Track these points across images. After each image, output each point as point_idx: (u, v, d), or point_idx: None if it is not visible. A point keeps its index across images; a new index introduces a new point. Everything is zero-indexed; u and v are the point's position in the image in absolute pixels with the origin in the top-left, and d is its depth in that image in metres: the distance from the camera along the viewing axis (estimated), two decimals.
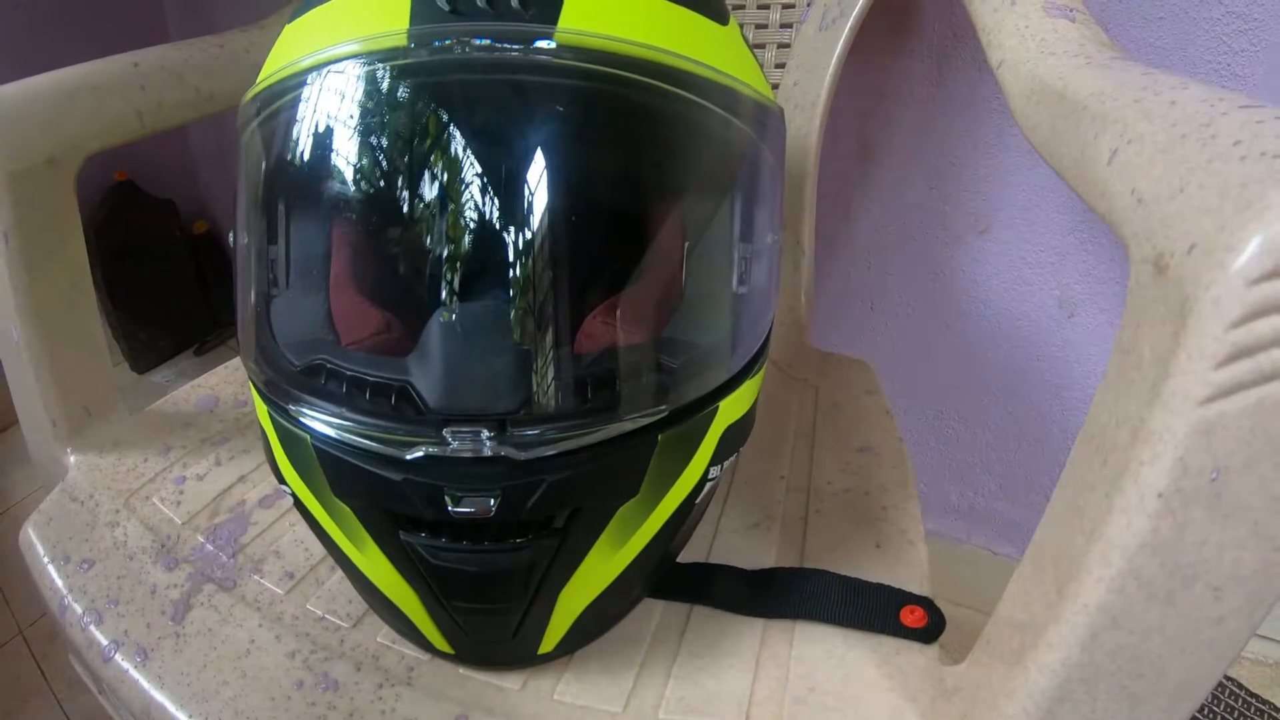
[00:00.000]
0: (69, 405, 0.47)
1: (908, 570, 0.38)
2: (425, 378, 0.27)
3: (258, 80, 0.32)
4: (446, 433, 0.26)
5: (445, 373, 0.26)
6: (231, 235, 0.34)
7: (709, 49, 0.30)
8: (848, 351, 0.56)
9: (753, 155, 0.32)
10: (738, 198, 0.32)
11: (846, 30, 0.54)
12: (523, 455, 0.26)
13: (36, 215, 0.45)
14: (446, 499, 0.27)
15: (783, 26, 0.57)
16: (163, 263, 1.06)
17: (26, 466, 0.97)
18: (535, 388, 0.27)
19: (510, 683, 0.33)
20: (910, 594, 0.36)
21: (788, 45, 0.57)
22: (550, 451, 0.27)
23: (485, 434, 0.26)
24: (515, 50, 0.27)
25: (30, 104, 0.45)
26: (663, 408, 0.29)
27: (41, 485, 0.49)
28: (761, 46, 0.58)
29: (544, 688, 0.33)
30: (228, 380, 0.53)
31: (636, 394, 0.29)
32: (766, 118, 0.32)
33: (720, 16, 0.32)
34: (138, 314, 1.04)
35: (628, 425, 0.28)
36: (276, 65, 0.30)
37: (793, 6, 0.57)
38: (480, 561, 0.28)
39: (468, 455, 0.26)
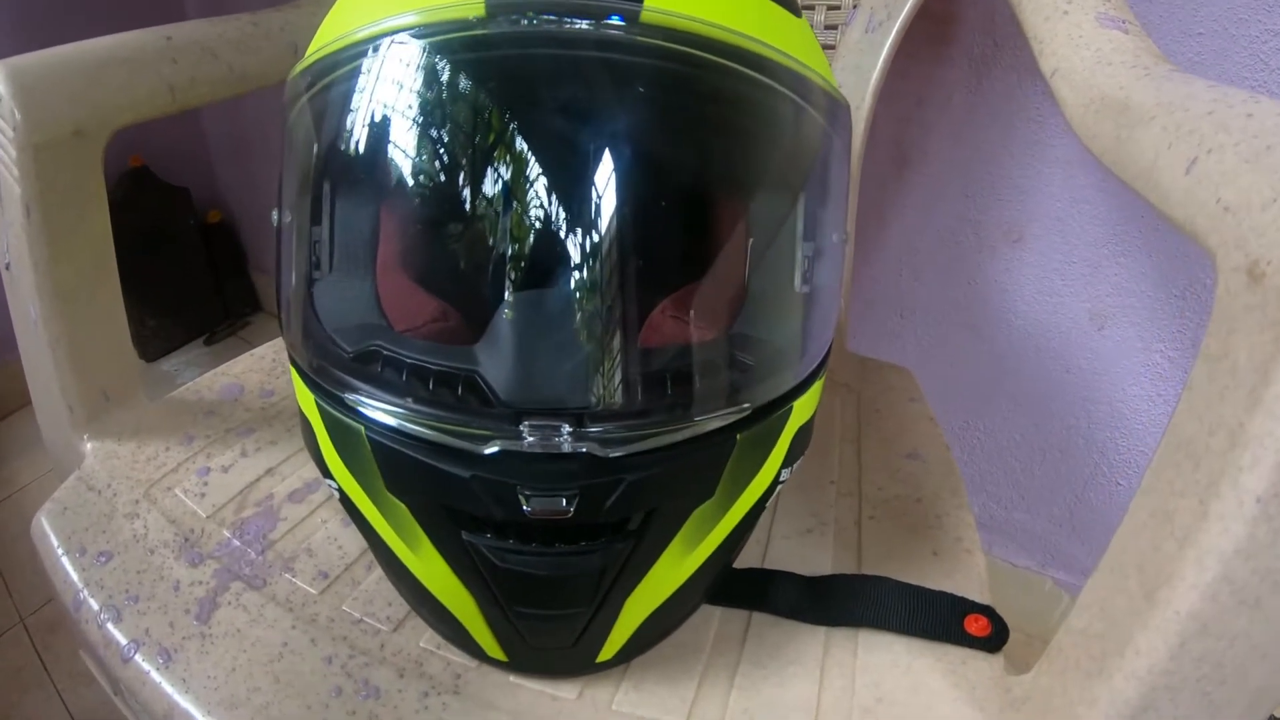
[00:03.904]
0: (87, 389, 0.44)
1: (966, 578, 0.36)
2: (498, 368, 0.24)
3: (309, 51, 0.29)
4: (523, 427, 0.24)
5: (522, 363, 0.24)
6: (275, 214, 0.31)
7: (788, 38, 0.28)
8: (876, 357, 0.54)
9: (826, 148, 0.31)
10: (813, 191, 0.30)
11: (893, 34, 0.52)
12: (608, 453, 0.24)
13: (60, 189, 0.42)
14: (520, 498, 0.24)
15: (827, 28, 0.55)
16: (174, 250, 1.02)
17: (30, 452, 0.93)
18: (617, 382, 0.25)
19: (565, 692, 0.31)
20: (973, 602, 0.34)
21: (831, 46, 0.55)
22: (635, 449, 0.25)
23: (565, 429, 0.24)
24: (600, 27, 0.24)
25: (58, 73, 0.42)
26: (745, 406, 0.27)
27: (49, 470, 0.46)
28: None
29: (601, 698, 0.31)
30: (253, 369, 0.50)
31: (720, 391, 0.27)
32: (838, 111, 0.31)
33: (794, 9, 0.31)
34: (147, 301, 1.00)
35: (713, 423, 0.26)
36: (332, 35, 0.28)
37: (838, 8, 0.55)
38: (550, 565, 0.26)
39: (543, 451, 0.24)
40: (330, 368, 0.28)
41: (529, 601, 0.27)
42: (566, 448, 0.24)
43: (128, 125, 0.45)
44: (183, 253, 1.04)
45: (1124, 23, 0.38)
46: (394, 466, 0.26)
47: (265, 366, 0.50)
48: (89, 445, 0.44)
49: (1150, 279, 0.63)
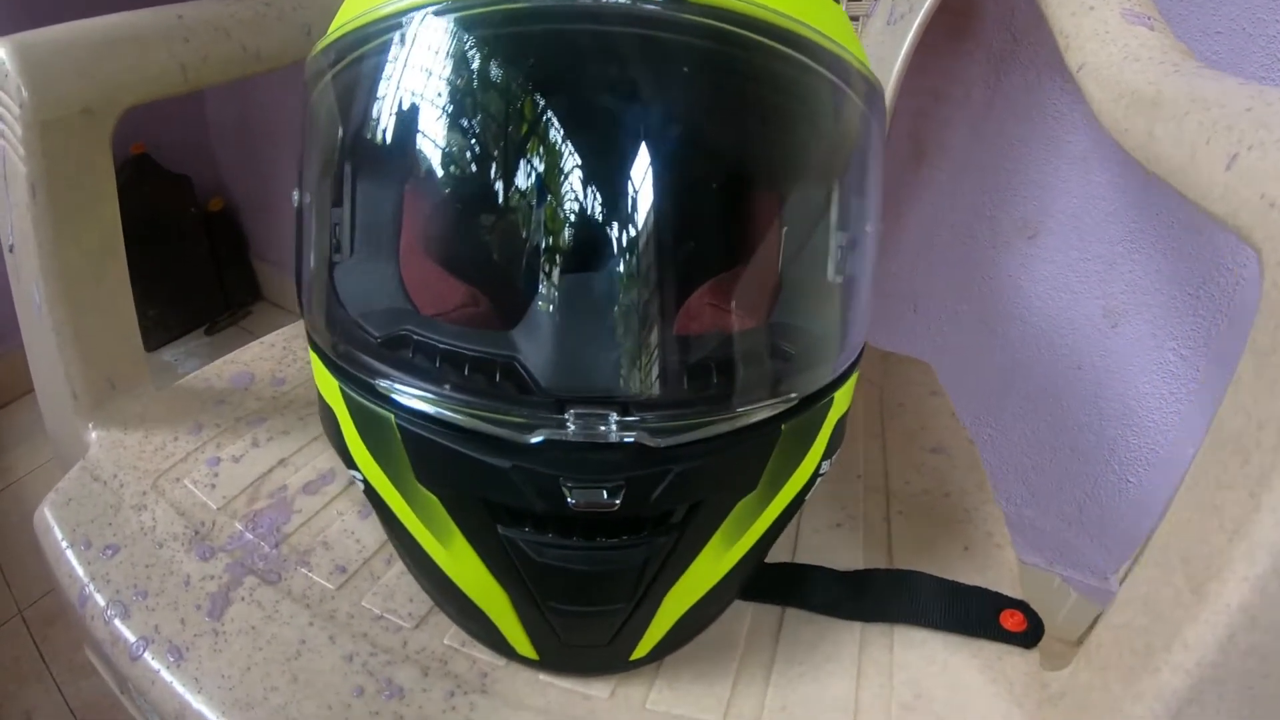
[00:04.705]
0: (92, 376, 0.42)
1: (998, 573, 0.36)
2: (541, 354, 0.23)
3: (332, 27, 0.28)
4: (568, 415, 0.22)
5: (567, 350, 0.23)
6: (295, 195, 0.30)
7: (827, 21, 0.27)
8: (884, 349, 0.53)
9: (865, 132, 0.29)
10: (852, 177, 0.29)
11: (915, 26, 0.51)
12: (658, 442, 0.23)
13: (68, 168, 0.40)
14: (563, 490, 0.23)
15: (850, 19, 0.54)
16: (176, 239, 1.00)
17: (29, 442, 0.91)
18: (665, 370, 0.23)
19: (597, 691, 0.29)
20: (1008, 597, 0.33)
21: None
22: (685, 439, 0.23)
23: (613, 418, 0.22)
24: (640, 3, 0.23)
25: (67, 50, 0.40)
26: (792, 396, 0.25)
27: (49, 460, 0.44)
28: None
29: (635, 696, 0.29)
30: (263, 357, 0.48)
31: (766, 380, 0.25)
32: (875, 96, 0.30)
33: None
34: (148, 290, 0.98)
35: (760, 413, 0.25)
36: (357, 9, 0.26)
37: None
38: (591, 559, 0.24)
39: (588, 441, 0.23)
40: (357, 353, 0.26)
41: (567, 598, 0.25)
42: (613, 437, 0.22)
43: (138, 104, 0.43)
44: (184, 242, 1.01)
45: (1149, 19, 0.38)
46: (426, 456, 0.25)
47: (276, 355, 0.48)
48: (94, 434, 0.42)
49: (1165, 276, 0.62)
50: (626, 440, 0.22)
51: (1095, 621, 0.74)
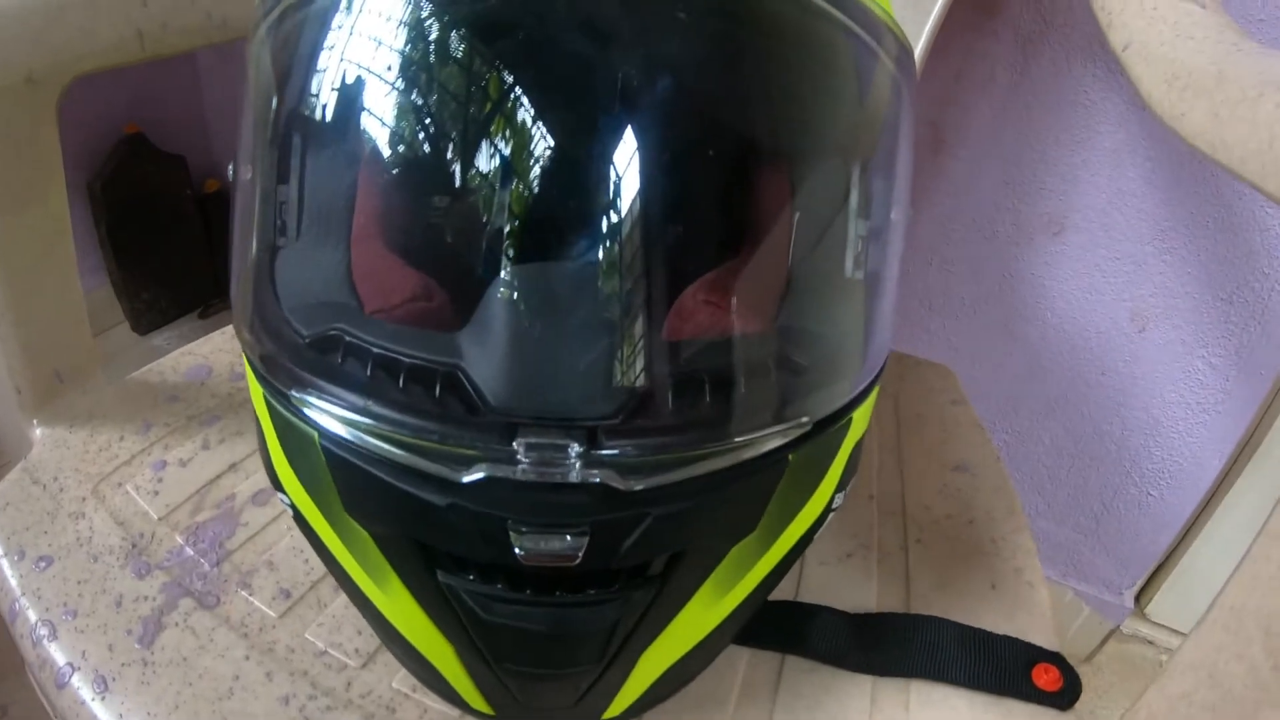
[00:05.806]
0: (37, 369, 0.38)
1: (1029, 618, 0.30)
2: (488, 362, 0.18)
3: None
4: (517, 445, 0.17)
5: (519, 357, 0.18)
6: (230, 168, 0.25)
7: None
8: (900, 352, 0.47)
9: (896, 102, 0.24)
10: (882, 154, 0.24)
11: (940, 2, 0.45)
12: (630, 485, 0.17)
13: (9, 143, 0.35)
14: (512, 535, 0.18)
15: None
16: (170, 221, 0.95)
17: None
18: (644, 387, 0.18)
19: None
20: (1042, 649, 0.28)
21: None
22: (668, 479, 0.18)
23: (574, 449, 0.17)
24: None
25: (9, 12, 0.35)
26: (804, 420, 0.20)
27: (9, 462, 0.40)
28: None
29: None
30: (223, 348, 0.43)
31: (772, 401, 0.20)
32: (906, 59, 0.24)
33: None
34: (141, 273, 0.93)
35: (767, 442, 0.19)
36: None
37: None
38: (550, 619, 0.19)
39: (541, 480, 0.17)
40: (279, 357, 0.21)
41: (523, 660, 0.20)
42: (574, 476, 0.17)
43: (89, 73, 0.38)
44: (179, 223, 0.96)
45: None
46: (353, 486, 0.20)
47: (238, 346, 0.43)
48: (38, 431, 0.38)
49: (1196, 280, 0.56)
50: (592, 480, 0.17)
51: (1107, 638, 0.69)
